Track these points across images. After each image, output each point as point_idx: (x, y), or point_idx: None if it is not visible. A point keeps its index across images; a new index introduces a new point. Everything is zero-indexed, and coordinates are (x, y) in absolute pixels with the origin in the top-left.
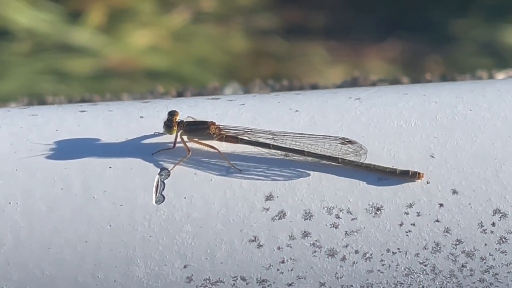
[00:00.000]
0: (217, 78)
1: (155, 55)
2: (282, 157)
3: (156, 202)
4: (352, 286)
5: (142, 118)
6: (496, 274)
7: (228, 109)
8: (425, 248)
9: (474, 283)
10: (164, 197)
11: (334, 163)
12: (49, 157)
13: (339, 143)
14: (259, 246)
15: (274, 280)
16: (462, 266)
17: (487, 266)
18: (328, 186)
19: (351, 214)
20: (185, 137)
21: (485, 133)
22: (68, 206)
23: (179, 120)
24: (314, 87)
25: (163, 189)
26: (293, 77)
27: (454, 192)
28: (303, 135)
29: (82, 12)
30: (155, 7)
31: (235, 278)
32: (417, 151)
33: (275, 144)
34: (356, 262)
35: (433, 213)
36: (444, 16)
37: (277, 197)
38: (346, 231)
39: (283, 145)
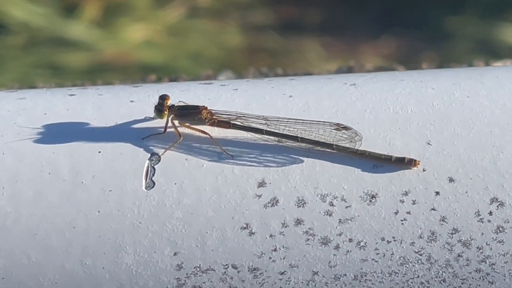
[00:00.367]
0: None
1: (150, 49)
2: (275, 143)
3: (146, 188)
4: (345, 275)
5: (132, 102)
6: (493, 264)
7: (220, 94)
8: (421, 237)
9: (470, 273)
10: (154, 183)
11: (328, 150)
12: (37, 141)
13: (334, 129)
14: (251, 233)
15: (266, 268)
16: (458, 255)
17: (484, 255)
18: (322, 173)
19: (345, 201)
20: (176, 122)
21: (483, 120)
22: (56, 191)
23: (170, 105)
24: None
25: (153, 175)
26: (279, 68)
27: (451, 180)
28: (297, 121)
29: (77, 6)
30: (151, 2)
31: (226, 266)
32: (413, 138)
33: (268, 129)
34: (350, 251)
35: (429, 201)
36: (439, 13)
37: (270, 183)
38: (340, 219)
39: (277, 131)
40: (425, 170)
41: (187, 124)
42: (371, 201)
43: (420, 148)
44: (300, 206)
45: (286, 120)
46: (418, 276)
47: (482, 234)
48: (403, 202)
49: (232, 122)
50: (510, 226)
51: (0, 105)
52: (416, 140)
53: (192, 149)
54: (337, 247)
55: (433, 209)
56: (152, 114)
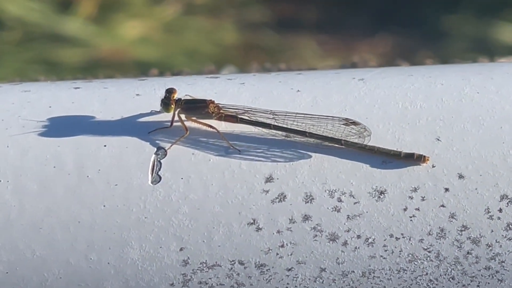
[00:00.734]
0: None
1: (146, 46)
2: (283, 138)
3: (152, 182)
4: (353, 272)
5: (138, 95)
6: (503, 261)
7: (227, 88)
8: (430, 234)
9: (480, 270)
10: (160, 177)
11: (336, 145)
12: (41, 135)
13: (343, 124)
14: (258, 229)
15: (273, 264)
16: (468, 253)
17: (493, 253)
18: (330, 169)
19: (353, 197)
20: (183, 116)
21: (493, 116)
22: (61, 185)
23: (177, 98)
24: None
25: (159, 169)
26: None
27: (460, 176)
28: (305, 116)
29: (73, 2)
30: None
31: (232, 262)
32: (423, 134)
33: (276, 124)
34: (358, 247)
35: (439, 198)
36: (435, 11)
37: (277, 179)
38: (348, 215)
39: (284, 126)
40: (434, 166)
41: (194, 118)
42: (379, 197)
43: (430, 144)
44: (308, 202)
45: (294, 114)
46: (426, 274)
47: (492, 231)
48: (412, 198)
49: (239, 116)
50: None
51: (4, 98)
52: (425, 136)
53: (198, 143)
54: (345, 244)
55: (442, 205)
56: (158, 108)
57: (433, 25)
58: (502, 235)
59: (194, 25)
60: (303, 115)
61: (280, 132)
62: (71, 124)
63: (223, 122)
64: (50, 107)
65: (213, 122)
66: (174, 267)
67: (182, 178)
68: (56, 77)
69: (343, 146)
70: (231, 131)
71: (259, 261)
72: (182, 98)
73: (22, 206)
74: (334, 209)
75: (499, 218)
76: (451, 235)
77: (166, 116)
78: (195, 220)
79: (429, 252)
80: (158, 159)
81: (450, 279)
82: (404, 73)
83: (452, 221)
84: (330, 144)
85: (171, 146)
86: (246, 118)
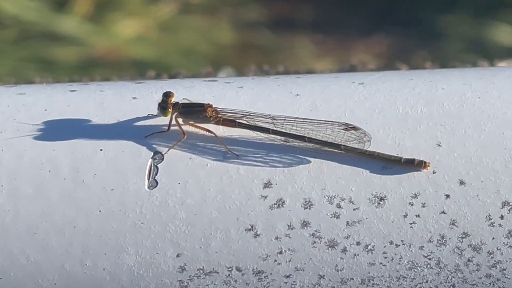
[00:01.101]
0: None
1: (142, 45)
2: (282, 142)
3: (148, 187)
4: (352, 279)
5: (135, 99)
6: (504, 269)
7: (225, 92)
8: (430, 241)
9: (480, 278)
10: (157, 182)
11: (336, 150)
12: (37, 138)
13: (342, 129)
14: (256, 235)
15: (271, 271)
16: (468, 260)
17: (495, 261)
18: (329, 174)
19: (353, 203)
20: (180, 120)
21: (495, 121)
22: (56, 190)
23: (174, 102)
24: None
25: (156, 174)
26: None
27: (461, 182)
28: (304, 120)
29: (69, 0)
30: None
31: (230, 269)
32: (423, 139)
33: (275, 128)
34: (358, 254)
35: (439, 204)
36: (432, 11)
37: (276, 184)
38: (347, 222)
39: (283, 130)
40: (435, 172)
41: (192, 122)
42: (379, 203)
43: (430, 149)
44: (306, 208)
45: (293, 119)
46: (427, 281)
47: (493, 238)
48: (412, 204)
49: (237, 120)
50: None
51: None
52: (426, 142)
53: (196, 148)
54: (344, 250)
55: (443, 212)
56: (155, 112)
57: (429, 25)
58: (504, 243)
59: (190, 24)
60: (302, 120)
61: (279, 137)
62: (66, 127)
63: (221, 127)
64: (45, 110)
65: (211, 127)
66: (171, 274)
67: (179, 183)
68: (52, 76)
69: (343, 151)
70: (229, 136)
71: (257, 268)
72: (180, 102)
73: (16, 211)
74: (333, 215)
75: (500, 225)
76: (452, 242)
77: (163, 120)
78: (192, 226)
79: (430, 259)
80: (155, 164)
81: (451, 287)
82: (404, 77)
83: (452, 228)
84: (329, 149)
85: (168, 150)
86: (245, 122)
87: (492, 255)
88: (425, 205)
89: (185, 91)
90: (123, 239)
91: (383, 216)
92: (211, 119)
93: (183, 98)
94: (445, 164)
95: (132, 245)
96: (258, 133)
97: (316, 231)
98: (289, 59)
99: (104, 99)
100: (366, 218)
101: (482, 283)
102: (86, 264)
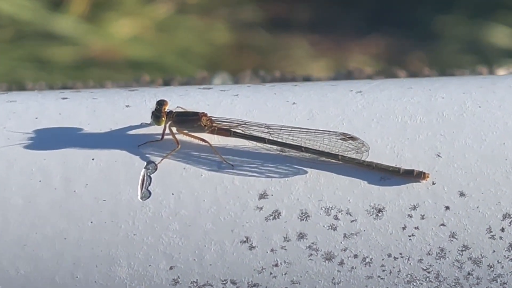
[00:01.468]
0: (200, 69)
1: (138, 45)
2: (278, 152)
3: (141, 197)
4: None
5: (128, 107)
6: (504, 283)
7: (220, 100)
8: (429, 254)
9: None
10: (150, 193)
11: (333, 160)
12: (27, 147)
13: (340, 139)
14: (251, 247)
15: (267, 284)
16: (468, 273)
17: (495, 274)
18: (326, 185)
19: (350, 215)
20: (174, 129)
21: (495, 131)
22: (47, 200)
23: (168, 110)
24: (306, 79)
25: (149, 184)
26: (276, 70)
27: (461, 194)
28: (301, 130)
29: (65, 0)
30: None
31: (224, 282)
32: (423, 149)
33: (271, 138)
34: (355, 267)
35: (439, 216)
36: (428, 13)
37: (272, 195)
38: (345, 234)
39: (279, 140)
40: (434, 184)
41: (186, 131)
42: (377, 215)
43: (430, 160)
44: (303, 220)
45: (290, 128)
46: None
47: (494, 251)
48: (411, 216)
49: (232, 130)
50: None
51: None
52: (425, 152)
53: (190, 157)
54: (341, 263)
55: (443, 224)
56: (148, 120)
57: (426, 26)
58: (504, 256)
59: (186, 24)
60: (298, 129)
61: (275, 147)
62: (58, 136)
63: (215, 136)
64: (36, 118)
65: (205, 136)
66: (164, 287)
67: (172, 194)
68: (47, 75)
69: (340, 162)
70: (224, 145)
71: (252, 281)
72: (174, 111)
73: (6, 221)
74: (330, 227)
75: (501, 237)
76: (452, 255)
77: (156, 129)
78: (186, 238)
79: (429, 272)
80: (148, 174)
81: None
82: (403, 86)
83: (452, 240)
84: (326, 160)
85: (161, 160)
86: (240, 131)
87: (492, 269)
88: (424, 217)
89: (179, 99)
90: (115, 251)
91: (381, 228)
92: (206, 128)
93: (177, 107)
94: (444, 175)
95: (124, 257)
96: (254, 142)
97: (312, 243)
98: (285, 59)
99: (97, 107)
100: (364, 230)
101: None
102: (77, 277)
